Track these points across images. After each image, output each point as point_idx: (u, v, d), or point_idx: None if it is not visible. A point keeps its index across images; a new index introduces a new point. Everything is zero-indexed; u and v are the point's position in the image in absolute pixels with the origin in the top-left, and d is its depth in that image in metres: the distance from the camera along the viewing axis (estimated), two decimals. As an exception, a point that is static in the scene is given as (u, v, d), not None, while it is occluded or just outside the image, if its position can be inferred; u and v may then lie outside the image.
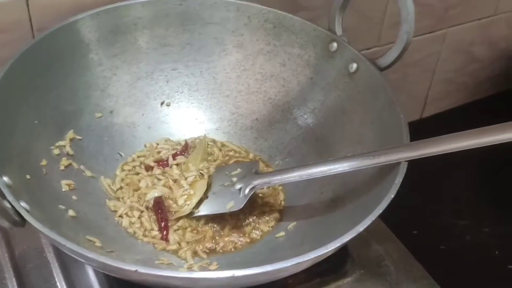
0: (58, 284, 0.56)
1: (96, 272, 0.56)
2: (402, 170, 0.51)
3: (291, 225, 0.58)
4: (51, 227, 0.43)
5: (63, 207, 0.53)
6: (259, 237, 0.58)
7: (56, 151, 0.58)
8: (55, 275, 0.56)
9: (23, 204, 0.44)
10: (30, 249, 0.58)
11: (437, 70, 0.96)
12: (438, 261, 0.66)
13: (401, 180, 0.50)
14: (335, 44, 0.63)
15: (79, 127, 0.61)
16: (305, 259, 0.44)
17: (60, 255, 0.58)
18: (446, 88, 0.99)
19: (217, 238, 0.58)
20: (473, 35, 0.94)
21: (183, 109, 0.67)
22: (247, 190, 0.57)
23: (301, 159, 0.64)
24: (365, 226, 0.47)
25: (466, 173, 0.93)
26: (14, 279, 0.56)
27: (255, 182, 0.58)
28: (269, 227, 0.59)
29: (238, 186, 0.58)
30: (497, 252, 0.82)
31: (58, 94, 0.59)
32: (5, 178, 0.46)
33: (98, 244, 0.52)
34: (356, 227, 0.46)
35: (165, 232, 0.57)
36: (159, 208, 0.59)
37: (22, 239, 0.59)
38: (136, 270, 0.41)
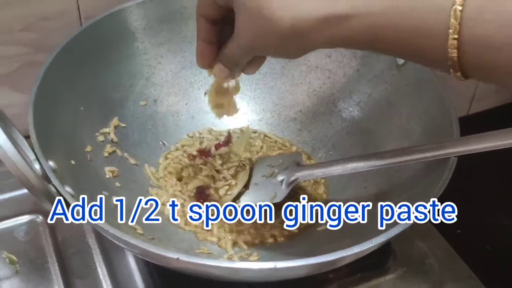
0: (99, 269, 0.56)
1: (137, 259, 0.57)
2: (451, 165, 0.49)
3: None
4: (95, 213, 0.43)
5: (106, 193, 0.54)
6: (298, 230, 0.57)
7: (101, 138, 0.58)
8: (96, 261, 0.57)
9: (67, 188, 0.45)
10: (72, 235, 0.59)
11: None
12: (482, 262, 0.64)
13: (449, 176, 0.49)
14: (383, 35, 0.61)
15: (124, 114, 0.61)
16: (349, 253, 0.43)
17: (102, 241, 0.58)
18: (493, 86, 0.96)
19: (257, 229, 0.57)
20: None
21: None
22: (289, 182, 0.57)
23: (345, 153, 0.63)
24: (411, 222, 0.46)
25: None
26: (56, 264, 0.56)
27: (298, 174, 0.57)
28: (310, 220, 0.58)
29: (280, 178, 0.57)
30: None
31: (104, 81, 0.60)
32: (51, 163, 0.46)
33: (139, 231, 0.52)
34: (402, 223, 0.45)
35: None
36: (201, 197, 0.58)
37: (65, 224, 0.59)
38: (178, 258, 0.41)
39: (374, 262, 0.59)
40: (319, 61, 0.66)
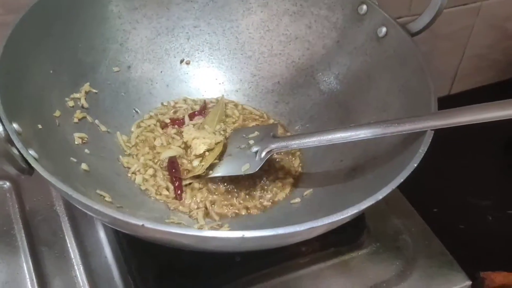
0: (66, 237, 0.55)
1: (105, 228, 0.56)
2: (427, 139, 0.48)
3: (307, 192, 0.56)
4: (61, 179, 0.42)
5: (74, 160, 0.52)
6: (272, 203, 0.56)
7: (71, 103, 0.56)
8: (64, 229, 0.56)
9: (31, 152, 0.43)
10: (40, 202, 0.58)
11: (469, 45, 0.92)
12: (456, 240, 0.63)
13: (425, 149, 0.48)
14: (364, 7, 0.60)
15: (96, 80, 0.59)
16: (319, 224, 0.42)
17: (70, 209, 0.57)
18: (477, 65, 0.96)
19: (229, 200, 0.56)
20: (509, 11, 0.90)
21: (203, 68, 0.65)
22: (263, 153, 0.55)
23: (322, 125, 0.62)
24: (384, 194, 0.45)
25: (492, 151, 0.90)
26: (22, 231, 0.55)
27: (272, 146, 0.56)
28: (284, 193, 0.57)
29: (254, 149, 0.56)
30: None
31: (75, 44, 0.58)
32: (15, 125, 0.44)
33: (108, 199, 0.50)
34: (375, 195, 0.44)
35: (178, 191, 0.56)
36: (173, 167, 0.57)
37: (33, 191, 0.58)
38: (143, 225, 0.39)
39: (348, 236, 0.58)
40: (298, 31, 0.64)
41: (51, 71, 0.55)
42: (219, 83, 0.65)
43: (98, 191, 0.50)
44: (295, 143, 0.55)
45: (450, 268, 0.58)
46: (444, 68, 0.94)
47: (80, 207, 0.43)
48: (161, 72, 0.64)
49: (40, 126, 0.51)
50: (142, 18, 0.62)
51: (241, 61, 0.66)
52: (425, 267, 0.57)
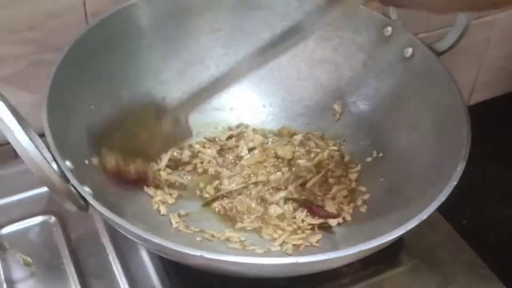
0: (114, 269, 0.56)
1: (151, 257, 0.57)
2: (464, 156, 0.50)
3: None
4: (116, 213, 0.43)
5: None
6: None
7: (112, 137, 0.58)
8: (111, 260, 0.56)
9: (86, 188, 0.45)
10: (86, 235, 0.59)
11: (486, 57, 0.94)
12: (488, 253, 0.64)
13: (463, 167, 0.49)
14: (389, 29, 0.62)
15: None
16: (368, 246, 0.43)
17: (116, 241, 0.58)
18: (495, 76, 0.97)
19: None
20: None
21: (234, 96, 0.67)
22: None
23: (354, 146, 0.63)
24: (428, 214, 0.46)
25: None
26: (71, 264, 0.56)
27: None
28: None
29: None
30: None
31: (112, 79, 0.60)
32: (68, 163, 0.46)
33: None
34: (420, 214, 0.46)
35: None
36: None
37: (78, 225, 0.59)
38: (201, 255, 0.41)
39: (386, 254, 0.59)
40: (325, 54, 0.66)
41: (92, 107, 0.57)
42: (252, 109, 0.67)
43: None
44: None
45: (489, 280, 0.58)
46: (462, 80, 0.95)
47: (135, 239, 0.44)
48: (195, 102, 0.66)
49: (87, 162, 0.52)
50: (172, 50, 0.64)
51: (270, 86, 0.67)
52: (464, 282, 0.58)
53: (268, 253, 0.54)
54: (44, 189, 0.61)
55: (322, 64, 0.66)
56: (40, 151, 0.40)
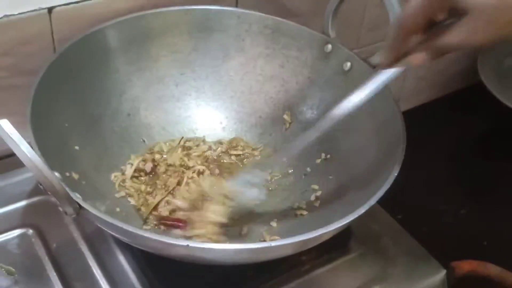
0: (94, 272, 0.60)
1: (127, 259, 0.62)
2: (399, 160, 0.58)
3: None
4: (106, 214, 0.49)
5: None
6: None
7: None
8: (91, 265, 0.61)
9: (77, 194, 0.50)
10: (63, 243, 0.63)
11: (408, 69, 1.04)
12: (423, 242, 0.73)
13: (398, 169, 0.57)
14: (329, 46, 0.70)
15: (102, 128, 0.66)
16: (329, 229, 0.51)
17: (93, 246, 0.62)
18: (418, 86, 1.08)
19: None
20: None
21: (192, 110, 0.73)
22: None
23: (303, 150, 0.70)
24: (367, 208, 0.53)
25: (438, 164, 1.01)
26: (53, 270, 0.60)
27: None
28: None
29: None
30: (473, 231, 0.89)
31: (83, 99, 0.65)
32: (56, 173, 0.51)
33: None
34: (358, 209, 0.53)
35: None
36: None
37: (56, 235, 0.63)
38: (187, 245, 0.47)
39: (337, 243, 0.66)
40: (273, 71, 0.74)
41: (66, 125, 0.62)
42: (209, 122, 0.74)
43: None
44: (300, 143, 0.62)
45: (426, 261, 0.67)
46: (390, 91, 1.06)
47: (122, 236, 0.50)
48: (157, 116, 0.72)
49: (67, 174, 0.57)
50: (135, 71, 0.70)
51: (225, 101, 0.74)
52: (405, 263, 0.66)
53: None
54: (20, 203, 0.66)
55: (271, 79, 0.74)
56: (41, 161, 0.45)
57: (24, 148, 0.44)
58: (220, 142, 0.73)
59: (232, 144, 0.73)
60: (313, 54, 0.71)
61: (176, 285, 0.59)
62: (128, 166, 0.68)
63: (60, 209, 0.49)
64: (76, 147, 0.62)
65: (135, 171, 0.67)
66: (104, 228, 0.52)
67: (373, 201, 0.54)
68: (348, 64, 0.69)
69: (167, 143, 0.71)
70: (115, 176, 0.66)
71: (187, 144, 0.72)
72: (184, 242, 0.47)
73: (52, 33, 0.67)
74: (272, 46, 0.73)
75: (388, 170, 0.57)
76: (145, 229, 0.61)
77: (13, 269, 0.60)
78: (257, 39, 0.73)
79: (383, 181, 0.56)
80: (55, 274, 0.60)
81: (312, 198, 0.67)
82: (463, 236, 0.86)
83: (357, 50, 0.93)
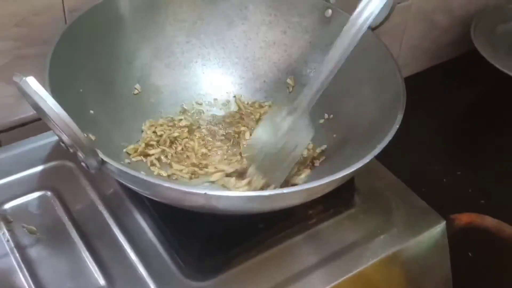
0: (113, 229, 0.63)
1: (144, 217, 0.65)
2: (398, 120, 0.60)
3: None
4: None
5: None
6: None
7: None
8: (109, 222, 0.64)
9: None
10: (81, 204, 0.66)
11: (404, 37, 1.07)
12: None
13: (397, 126, 0.60)
14: (330, 11, 0.73)
15: (114, 94, 0.69)
16: (336, 177, 0.54)
17: (110, 205, 0.65)
18: (413, 54, 1.11)
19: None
20: (435, 4, 1.06)
21: (199, 77, 0.76)
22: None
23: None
24: (369, 159, 0.56)
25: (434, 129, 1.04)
26: (73, 229, 0.63)
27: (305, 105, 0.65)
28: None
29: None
30: (470, 191, 0.93)
31: (96, 66, 0.67)
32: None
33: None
34: (362, 160, 0.56)
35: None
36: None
37: (75, 197, 0.66)
38: (205, 193, 0.50)
39: (343, 198, 0.70)
40: (275, 37, 0.76)
41: (81, 90, 0.64)
42: (215, 87, 0.76)
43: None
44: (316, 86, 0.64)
45: (427, 213, 0.70)
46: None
47: (143, 190, 0.53)
48: (165, 83, 0.74)
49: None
50: (143, 39, 0.73)
51: (230, 67, 0.77)
52: (407, 215, 0.69)
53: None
54: (38, 168, 0.69)
55: (274, 45, 0.76)
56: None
57: (50, 103, 0.46)
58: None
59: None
60: (314, 19, 0.74)
61: (190, 239, 0.62)
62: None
63: (83, 164, 0.51)
64: (91, 111, 0.65)
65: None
66: (123, 181, 0.55)
67: (377, 150, 0.57)
68: (348, 27, 0.71)
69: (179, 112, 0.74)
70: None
71: (197, 107, 0.75)
72: (201, 191, 0.50)
73: (63, 3, 0.69)
74: (274, 13, 0.76)
75: (390, 122, 0.60)
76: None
77: (34, 228, 0.63)
78: (259, 7, 0.76)
79: (385, 132, 0.58)
80: (75, 232, 0.63)
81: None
82: (460, 195, 0.90)
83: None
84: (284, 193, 0.51)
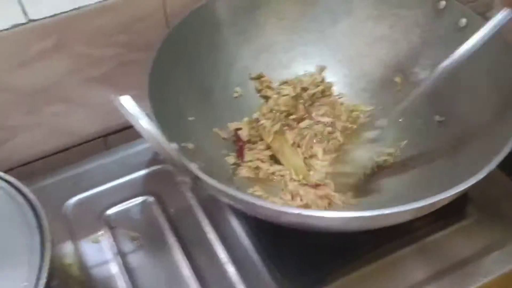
0: (211, 236, 0.63)
1: (241, 223, 0.64)
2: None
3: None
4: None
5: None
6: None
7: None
8: (206, 230, 0.64)
9: (194, 165, 0.51)
10: (180, 209, 0.66)
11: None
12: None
13: None
14: (443, 2, 0.67)
15: (215, 99, 0.68)
16: (447, 195, 0.49)
17: (209, 212, 0.65)
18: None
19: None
20: None
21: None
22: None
23: (417, 113, 0.68)
24: (491, 168, 0.51)
25: None
26: (172, 236, 0.63)
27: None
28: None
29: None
30: None
31: (197, 72, 0.67)
32: (174, 144, 0.53)
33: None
34: (484, 169, 0.51)
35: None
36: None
37: (174, 202, 0.66)
38: (299, 213, 0.47)
39: (454, 208, 0.64)
40: (382, 32, 0.71)
41: (181, 97, 0.64)
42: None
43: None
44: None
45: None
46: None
47: (238, 205, 0.51)
48: (263, 86, 0.72)
49: (183, 144, 0.60)
50: (243, 41, 0.71)
51: (334, 65, 0.73)
52: (527, 228, 0.63)
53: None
54: (140, 172, 0.70)
55: (381, 41, 0.71)
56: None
57: (143, 122, 0.46)
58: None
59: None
60: (425, 12, 0.68)
61: (288, 250, 0.60)
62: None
63: (178, 178, 0.51)
64: (190, 118, 0.65)
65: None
66: (218, 197, 0.54)
67: (494, 164, 0.51)
68: (464, 20, 0.65)
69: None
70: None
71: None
72: (295, 210, 0.47)
73: (164, 8, 0.69)
74: (381, 7, 0.71)
75: (508, 132, 0.54)
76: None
77: (137, 235, 0.64)
78: (365, 0, 0.71)
79: (504, 141, 0.53)
80: (174, 239, 0.63)
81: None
82: None
83: (473, 3, 0.88)
84: (385, 214, 0.48)
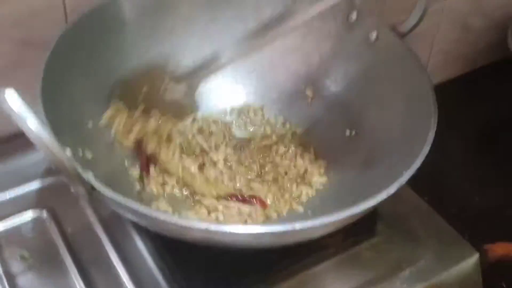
0: (110, 255, 0.58)
1: (144, 242, 0.59)
2: (430, 139, 0.54)
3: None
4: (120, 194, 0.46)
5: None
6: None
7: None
8: (106, 247, 0.58)
9: (90, 174, 0.46)
10: (78, 225, 0.60)
11: (435, 42, 1.00)
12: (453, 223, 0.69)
13: (427, 150, 0.53)
14: (354, 14, 0.66)
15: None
16: (356, 211, 0.47)
17: (108, 228, 0.60)
18: (444, 59, 1.03)
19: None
20: (469, 7, 0.98)
21: (212, 86, 0.70)
22: None
23: (327, 127, 0.67)
24: (395, 189, 0.49)
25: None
26: (68, 255, 0.58)
27: None
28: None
29: None
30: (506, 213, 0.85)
31: (95, 72, 0.61)
32: (68, 151, 0.47)
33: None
34: (387, 188, 0.49)
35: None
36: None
37: (71, 218, 0.61)
38: (206, 229, 0.44)
39: (363, 226, 0.63)
40: (295, 42, 0.70)
41: (79, 99, 0.59)
42: (228, 98, 0.71)
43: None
44: None
45: (458, 244, 0.63)
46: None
47: (140, 220, 0.47)
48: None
49: (80, 153, 0.55)
50: (149, 43, 0.66)
51: (245, 76, 0.71)
52: (435, 246, 0.63)
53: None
54: (33, 184, 0.63)
55: (293, 52, 0.70)
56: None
57: (30, 122, 0.40)
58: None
59: None
60: (337, 24, 0.67)
61: (195, 270, 0.56)
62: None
63: (72, 189, 0.46)
64: (89, 124, 0.59)
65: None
66: (118, 211, 0.49)
67: (405, 178, 0.50)
68: (374, 34, 0.65)
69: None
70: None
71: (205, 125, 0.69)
72: (202, 225, 0.44)
73: (64, 3, 0.63)
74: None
75: (420, 142, 0.53)
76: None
77: (27, 254, 0.58)
78: (277, 9, 0.69)
79: (415, 155, 0.52)
80: (70, 259, 0.58)
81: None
82: (494, 216, 0.82)
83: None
84: (295, 230, 0.45)
